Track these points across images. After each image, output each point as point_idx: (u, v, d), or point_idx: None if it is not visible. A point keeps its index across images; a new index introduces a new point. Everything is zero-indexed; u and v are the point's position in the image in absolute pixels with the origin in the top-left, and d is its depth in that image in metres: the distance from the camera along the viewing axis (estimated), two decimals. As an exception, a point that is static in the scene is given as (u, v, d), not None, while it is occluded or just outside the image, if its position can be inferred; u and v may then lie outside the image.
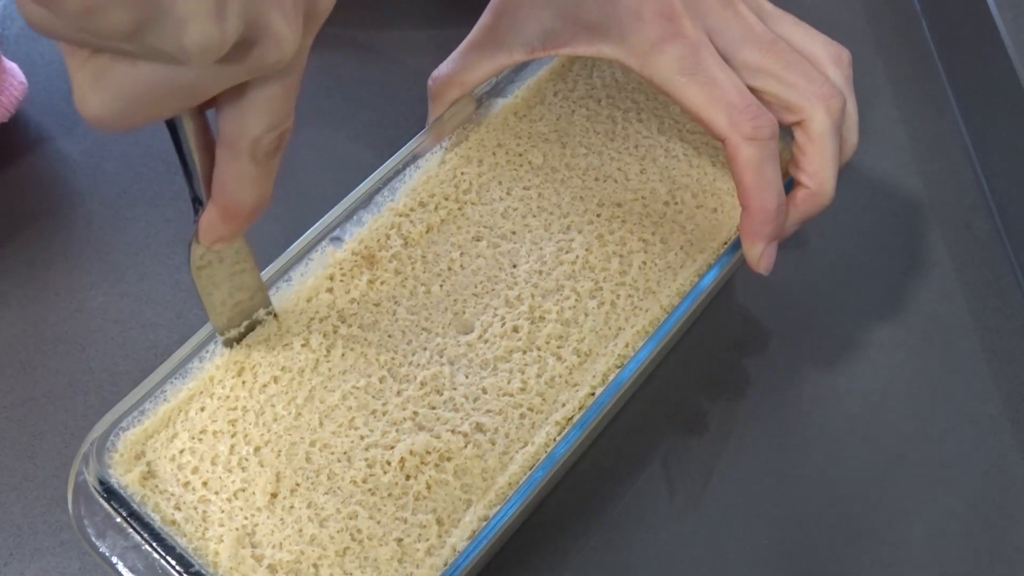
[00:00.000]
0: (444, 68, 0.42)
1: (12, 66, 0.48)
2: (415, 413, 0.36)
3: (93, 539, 0.33)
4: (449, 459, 0.35)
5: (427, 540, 0.33)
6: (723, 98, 0.36)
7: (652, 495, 0.41)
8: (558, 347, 0.37)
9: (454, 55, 0.42)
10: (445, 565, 0.33)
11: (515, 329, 0.37)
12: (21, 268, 0.47)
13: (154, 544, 0.33)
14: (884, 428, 0.42)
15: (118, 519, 0.33)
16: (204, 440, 0.35)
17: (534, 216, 0.40)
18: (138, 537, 0.33)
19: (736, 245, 0.39)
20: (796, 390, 0.43)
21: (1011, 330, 0.45)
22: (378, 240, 0.40)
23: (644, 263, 0.39)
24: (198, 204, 0.30)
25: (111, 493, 0.34)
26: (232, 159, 0.27)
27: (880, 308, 0.45)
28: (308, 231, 0.38)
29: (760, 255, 0.37)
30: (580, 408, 0.36)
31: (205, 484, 0.34)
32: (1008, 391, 0.43)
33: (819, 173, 0.38)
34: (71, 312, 0.45)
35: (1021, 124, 0.46)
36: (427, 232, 0.40)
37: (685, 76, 0.36)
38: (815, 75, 0.37)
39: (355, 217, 0.40)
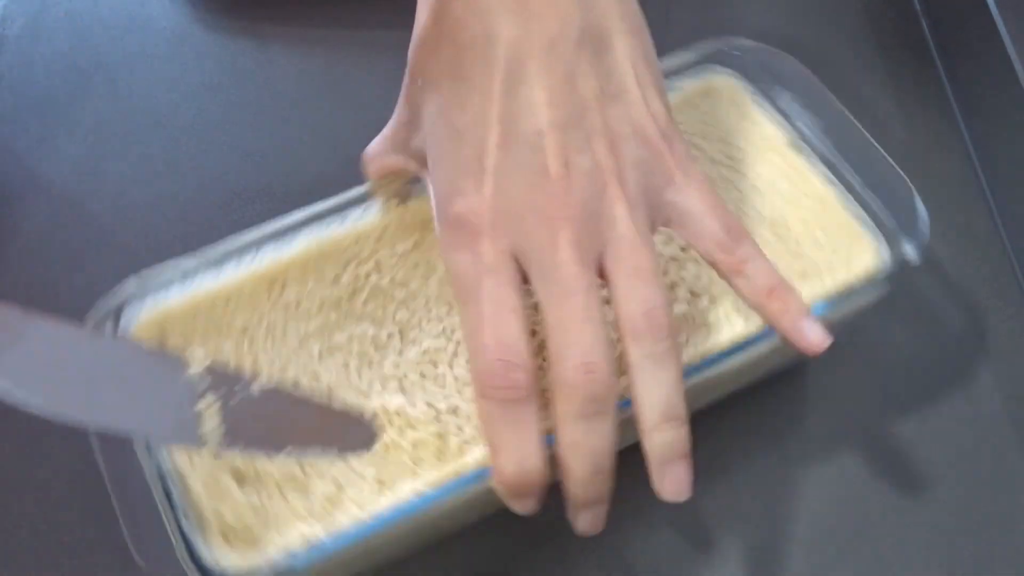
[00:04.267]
0: (372, 146, 0.39)
1: None
2: (405, 375, 0.37)
3: None
4: (413, 428, 0.35)
5: (361, 491, 0.34)
6: (479, 339, 0.32)
7: (652, 495, 0.41)
8: None
9: (384, 132, 0.38)
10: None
11: (531, 333, 0.37)
12: (22, 268, 0.47)
13: None
14: (884, 428, 0.42)
15: None
16: (219, 333, 0.37)
17: None
18: None
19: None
20: (796, 390, 0.43)
21: (1011, 330, 0.45)
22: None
23: None
24: None
25: None
26: None
27: (879, 308, 0.45)
28: (377, 183, 0.39)
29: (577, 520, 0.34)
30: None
31: None
32: (1008, 391, 0.43)
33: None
34: (71, 312, 0.45)
35: (1021, 124, 0.46)
36: None
37: (459, 298, 0.33)
38: (568, 355, 0.32)
39: (422, 183, 0.39)
